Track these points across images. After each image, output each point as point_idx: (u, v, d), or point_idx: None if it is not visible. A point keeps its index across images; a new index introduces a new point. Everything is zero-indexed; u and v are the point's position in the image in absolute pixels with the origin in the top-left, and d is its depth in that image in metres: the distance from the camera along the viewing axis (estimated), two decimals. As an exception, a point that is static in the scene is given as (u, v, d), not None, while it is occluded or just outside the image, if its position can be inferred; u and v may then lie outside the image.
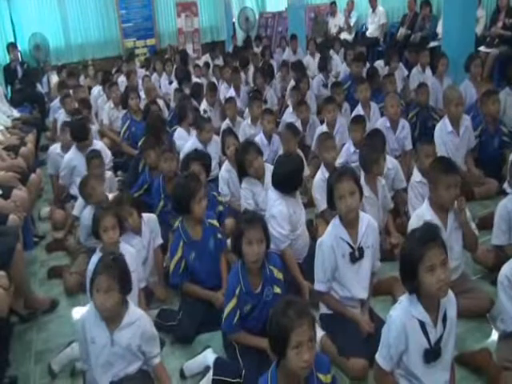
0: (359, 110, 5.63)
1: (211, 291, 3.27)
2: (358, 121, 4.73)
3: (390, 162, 4.15)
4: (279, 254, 3.31)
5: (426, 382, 2.18)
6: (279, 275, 2.81)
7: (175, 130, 5.97)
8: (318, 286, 2.88)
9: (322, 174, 4.02)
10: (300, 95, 6.29)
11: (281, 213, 3.37)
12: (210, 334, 3.15)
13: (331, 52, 9.05)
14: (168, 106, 7.54)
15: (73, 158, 4.93)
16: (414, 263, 2.05)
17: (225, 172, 4.44)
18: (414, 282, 2.08)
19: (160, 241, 3.67)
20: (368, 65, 7.82)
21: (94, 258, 3.00)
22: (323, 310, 2.96)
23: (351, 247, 2.81)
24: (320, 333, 2.87)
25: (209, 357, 2.82)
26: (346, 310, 2.85)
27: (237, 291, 2.71)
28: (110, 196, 3.97)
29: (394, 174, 4.14)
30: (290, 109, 6.21)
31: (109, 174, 4.66)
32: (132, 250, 3.20)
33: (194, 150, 4.30)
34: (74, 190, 4.89)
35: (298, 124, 5.81)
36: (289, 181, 3.43)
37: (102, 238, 3.05)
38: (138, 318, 2.50)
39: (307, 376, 2.00)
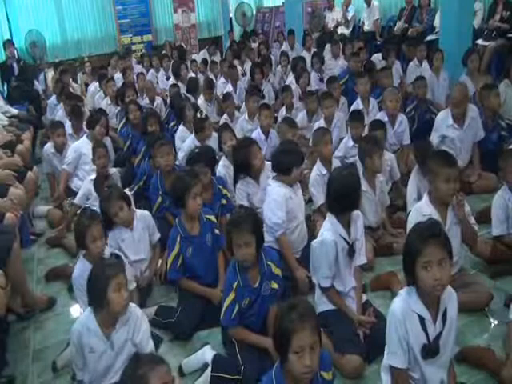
0: (358, 104, 5.61)
1: (209, 288, 3.26)
2: (357, 117, 4.72)
3: (386, 154, 4.18)
4: (275, 248, 3.32)
5: (423, 378, 2.17)
6: (277, 271, 2.80)
7: (174, 125, 5.98)
8: (324, 283, 2.87)
9: (318, 170, 4.01)
10: (292, 95, 6.25)
11: (275, 201, 3.38)
12: (209, 331, 3.14)
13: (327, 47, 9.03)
14: (165, 102, 7.53)
15: (82, 145, 4.97)
16: (412, 257, 2.05)
17: (222, 168, 4.41)
18: (412, 275, 2.07)
19: (158, 235, 3.67)
20: (365, 59, 7.79)
21: (80, 265, 2.98)
22: (320, 308, 2.95)
23: (347, 243, 2.84)
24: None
25: (207, 353, 2.81)
26: (347, 309, 2.87)
27: (234, 285, 2.71)
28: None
29: (390, 167, 4.18)
30: (283, 111, 6.18)
31: (114, 170, 4.63)
32: (119, 254, 3.19)
33: (199, 149, 4.21)
34: (75, 184, 4.89)
35: (304, 114, 5.81)
36: (284, 160, 3.44)
37: (88, 248, 2.98)
38: (132, 312, 2.51)
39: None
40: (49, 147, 5.31)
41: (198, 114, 5.10)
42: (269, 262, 2.77)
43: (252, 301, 2.75)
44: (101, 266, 2.48)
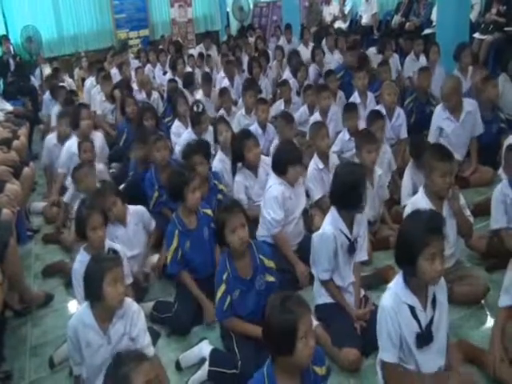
0: (356, 97, 5.59)
1: (207, 299, 3.18)
2: (351, 109, 4.72)
3: (383, 146, 4.21)
4: (270, 242, 3.36)
5: (420, 367, 2.18)
6: (270, 264, 2.82)
7: (170, 120, 5.96)
8: (322, 276, 2.88)
9: (315, 164, 4.00)
10: (290, 90, 6.25)
11: (275, 199, 3.39)
12: (206, 326, 3.14)
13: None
14: (162, 97, 7.52)
15: (72, 144, 4.93)
16: (415, 249, 2.03)
17: (218, 162, 4.41)
18: (411, 266, 2.06)
19: (153, 224, 3.71)
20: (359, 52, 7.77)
21: (80, 257, 2.97)
22: (319, 300, 2.97)
23: (348, 239, 2.84)
24: (314, 323, 2.87)
25: (205, 348, 2.83)
26: (345, 303, 2.88)
27: (224, 277, 2.74)
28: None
29: (388, 159, 4.22)
30: (281, 105, 6.17)
31: (101, 166, 4.60)
32: (118, 247, 3.19)
33: (193, 142, 4.25)
34: (69, 181, 4.87)
35: (304, 109, 5.80)
36: (278, 160, 3.46)
37: (89, 237, 2.98)
38: (128, 306, 2.51)
39: (303, 370, 1.97)
40: (51, 138, 5.30)
41: (195, 108, 5.09)
42: (261, 256, 2.79)
43: (243, 292, 2.76)
44: (97, 260, 2.48)
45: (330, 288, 2.90)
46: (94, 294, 2.39)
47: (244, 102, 5.83)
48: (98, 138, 5.18)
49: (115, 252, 3.05)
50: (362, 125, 4.60)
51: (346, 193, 2.77)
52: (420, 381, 2.17)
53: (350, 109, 4.74)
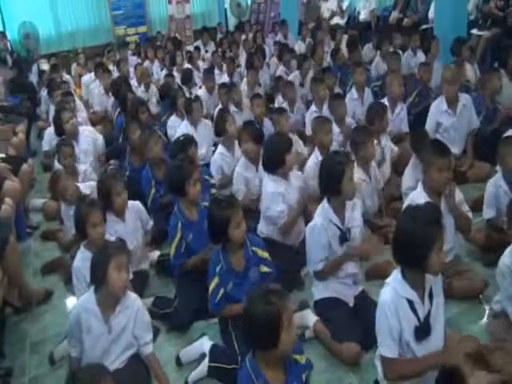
0: (353, 93, 5.59)
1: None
2: (337, 97, 4.81)
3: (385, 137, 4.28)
4: (271, 239, 3.42)
5: None
6: (264, 254, 2.85)
7: (166, 118, 5.97)
8: (316, 266, 2.89)
9: (315, 158, 3.99)
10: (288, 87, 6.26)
11: (273, 194, 3.42)
12: (206, 322, 3.15)
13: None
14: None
15: None
16: (426, 248, 2.00)
17: (218, 156, 4.43)
18: (424, 262, 2.03)
19: (151, 223, 3.72)
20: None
21: (81, 255, 2.97)
22: (317, 296, 2.98)
23: (339, 229, 2.84)
24: (313, 318, 2.89)
25: (205, 344, 2.84)
26: (341, 259, 2.87)
27: (217, 269, 2.77)
28: (81, 186, 3.96)
29: (389, 147, 4.30)
30: (280, 100, 6.17)
31: (83, 167, 4.47)
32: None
33: (182, 136, 4.30)
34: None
35: (285, 105, 5.79)
36: (270, 159, 3.48)
37: (90, 234, 2.96)
38: (132, 301, 2.54)
39: (286, 359, 2.02)
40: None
41: (188, 94, 5.11)
42: (253, 248, 2.83)
43: (237, 285, 2.79)
44: (105, 246, 2.55)
45: (325, 272, 2.89)
46: (98, 278, 2.41)
47: (232, 97, 5.88)
48: (89, 132, 5.13)
49: (122, 240, 3.07)
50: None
51: (323, 181, 2.85)
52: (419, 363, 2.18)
53: (335, 98, 4.78)
